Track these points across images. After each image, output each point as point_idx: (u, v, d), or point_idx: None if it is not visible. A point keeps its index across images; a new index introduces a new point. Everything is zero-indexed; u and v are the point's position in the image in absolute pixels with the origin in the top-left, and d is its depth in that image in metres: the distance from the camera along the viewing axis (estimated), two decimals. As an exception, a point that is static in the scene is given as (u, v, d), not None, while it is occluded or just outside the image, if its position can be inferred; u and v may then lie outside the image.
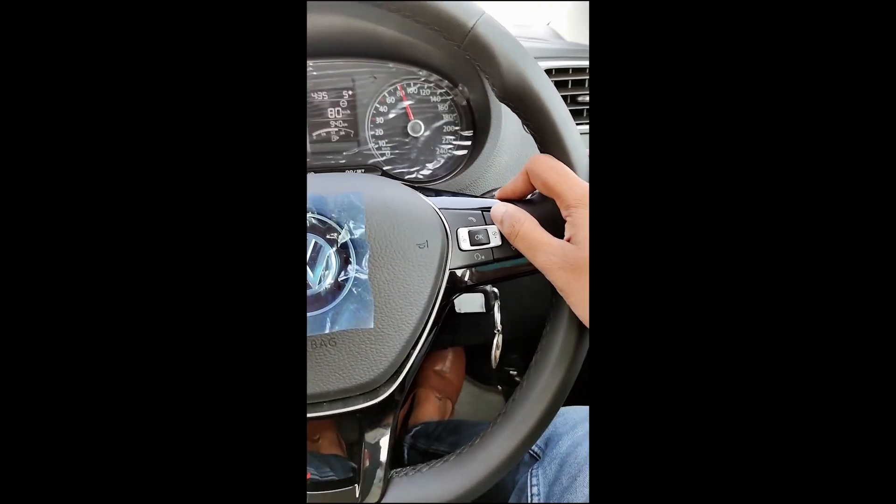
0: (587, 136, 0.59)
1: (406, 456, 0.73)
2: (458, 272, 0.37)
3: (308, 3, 0.33)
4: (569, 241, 0.33)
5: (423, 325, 0.36)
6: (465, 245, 0.37)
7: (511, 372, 1.00)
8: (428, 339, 0.37)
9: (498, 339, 0.60)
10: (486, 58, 0.34)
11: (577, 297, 0.32)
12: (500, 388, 1.07)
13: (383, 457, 0.36)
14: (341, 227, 0.35)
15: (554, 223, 0.34)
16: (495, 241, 0.37)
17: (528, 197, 0.38)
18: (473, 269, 0.37)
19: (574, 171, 0.34)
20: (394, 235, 0.36)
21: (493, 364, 0.64)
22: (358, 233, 0.35)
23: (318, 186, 0.37)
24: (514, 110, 0.36)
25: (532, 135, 0.37)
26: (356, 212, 0.35)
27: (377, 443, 0.36)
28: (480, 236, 0.37)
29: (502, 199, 0.38)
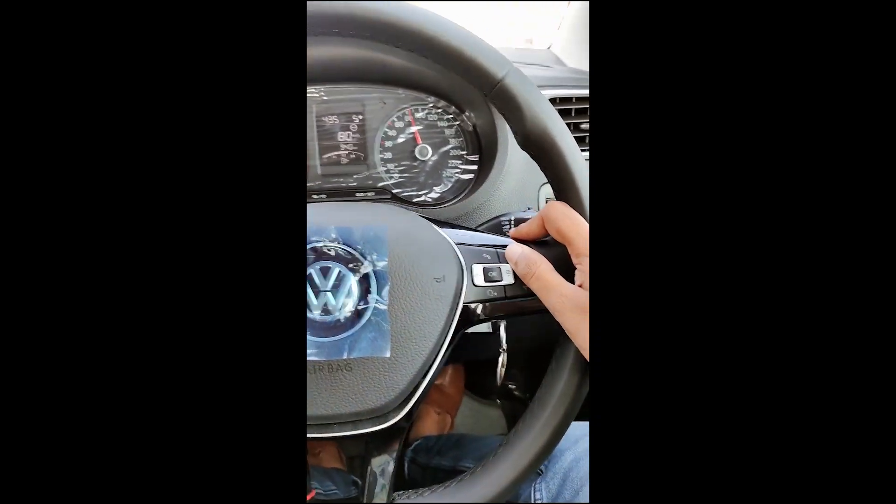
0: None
1: (406, 470, 0.75)
2: (472, 306, 0.39)
3: (321, 36, 0.35)
4: (579, 286, 0.35)
5: (434, 356, 0.38)
6: (479, 281, 0.39)
7: (510, 386, 1.01)
8: (438, 369, 0.38)
9: (503, 359, 0.62)
10: (511, 108, 0.36)
11: (585, 338, 0.34)
12: (499, 402, 1.08)
13: (387, 480, 0.37)
14: (365, 259, 0.37)
15: (565, 267, 0.37)
16: (508, 280, 0.39)
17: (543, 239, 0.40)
18: (486, 303, 0.39)
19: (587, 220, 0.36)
20: (414, 269, 0.37)
21: (498, 382, 0.65)
22: (380, 265, 0.37)
23: (344, 216, 0.39)
24: (533, 157, 0.38)
25: (549, 181, 0.39)
26: (380, 245, 0.37)
27: (382, 467, 0.37)
28: (494, 273, 0.39)
29: (516, 240, 0.40)
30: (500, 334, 0.56)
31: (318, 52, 0.56)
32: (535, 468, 0.37)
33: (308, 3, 0.33)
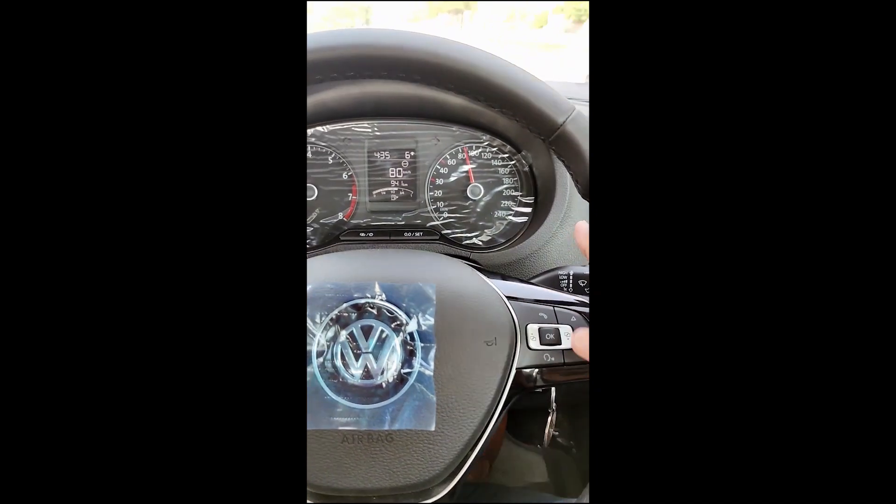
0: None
1: None
2: (526, 371, 0.35)
3: (373, 77, 0.32)
4: None
5: (483, 428, 0.34)
6: (535, 343, 0.35)
7: (554, 433, 0.95)
8: (486, 441, 0.35)
9: (552, 418, 0.57)
10: (572, 154, 0.32)
11: None
12: (539, 446, 1.03)
13: None
14: (409, 318, 0.34)
15: None
16: (566, 343, 0.35)
17: None
18: (542, 368, 0.35)
19: None
20: (462, 331, 0.34)
21: (546, 443, 0.61)
22: (426, 325, 0.34)
23: (389, 267, 0.37)
24: None
25: None
26: (427, 304, 0.34)
27: None
28: (551, 336, 0.35)
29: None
30: (549, 392, 0.52)
31: (371, 88, 0.55)
32: None
33: (352, 43, 0.30)
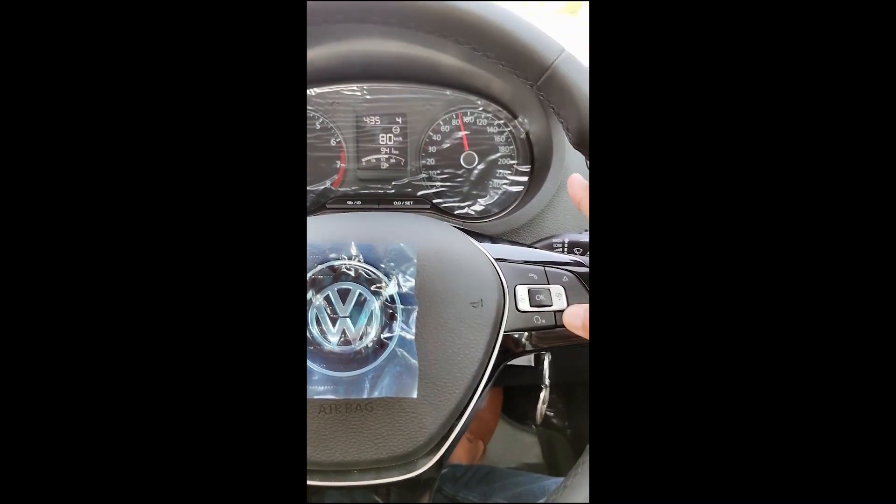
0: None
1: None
2: (515, 335, 0.33)
3: (366, 26, 0.30)
4: None
5: (470, 394, 0.32)
6: (524, 305, 0.33)
7: (549, 414, 0.94)
8: (474, 410, 0.33)
9: (545, 394, 0.55)
10: (564, 99, 0.30)
11: None
12: (534, 427, 1.02)
13: None
14: (389, 279, 0.32)
15: None
16: (559, 304, 0.33)
17: None
18: (532, 332, 0.33)
19: None
20: (446, 292, 0.32)
21: (538, 420, 0.59)
22: (407, 286, 0.31)
23: (367, 229, 0.34)
24: (588, 159, 0.32)
25: None
26: (407, 263, 0.32)
27: None
28: (542, 297, 0.33)
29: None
30: (542, 367, 0.50)
31: (359, 46, 0.52)
32: None
33: None
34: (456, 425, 0.32)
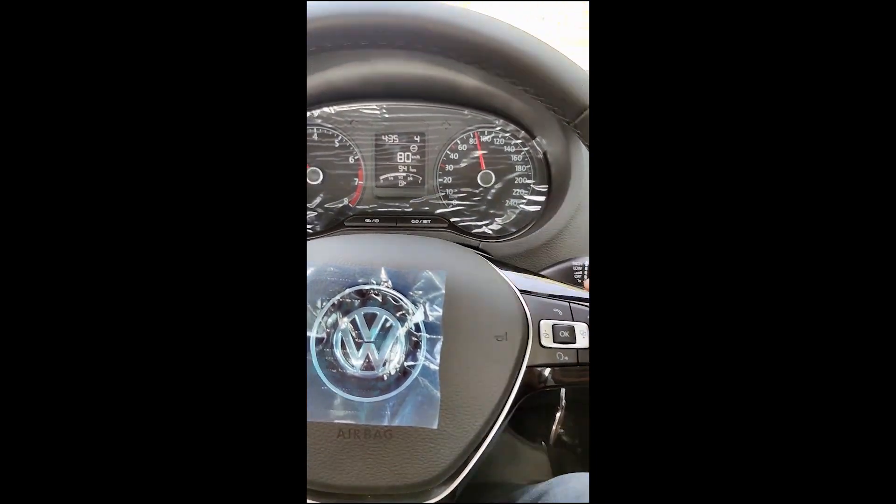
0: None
1: None
2: (537, 370, 0.33)
3: (388, 48, 0.30)
4: None
5: (489, 427, 0.32)
6: (547, 341, 0.33)
7: (559, 431, 0.93)
8: (492, 442, 0.33)
9: (560, 416, 0.55)
10: None
11: None
12: (544, 444, 1.01)
13: None
14: (416, 307, 0.32)
15: None
16: (582, 342, 0.33)
17: None
18: (554, 368, 0.33)
19: None
20: (471, 324, 0.32)
21: (551, 441, 0.59)
22: (434, 316, 0.32)
23: (396, 253, 0.34)
24: None
25: None
26: (435, 293, 0.32)
27: None
28: (566, 334, 0.33)
29: None
30: (559, 391, 0.50)
31: (381, 67, 0.52)
32: None
33: (369, 12, 0.28)
34: (473, 457, 0.32)
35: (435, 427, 0.30)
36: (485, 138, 0.57)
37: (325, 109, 0.56)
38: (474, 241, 0.54)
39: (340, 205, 0.57)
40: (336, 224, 0.56)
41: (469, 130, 0.57)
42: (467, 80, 0.53)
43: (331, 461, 0.31)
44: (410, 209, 0.57)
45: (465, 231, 0.56)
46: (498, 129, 0.57)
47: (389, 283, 0.32)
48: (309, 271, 0.33)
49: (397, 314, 0.32)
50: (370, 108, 0.56)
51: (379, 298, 0.32)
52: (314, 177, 0.56)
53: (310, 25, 0.28)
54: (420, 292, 0.32)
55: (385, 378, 0.31)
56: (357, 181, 0.57)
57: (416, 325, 0.32)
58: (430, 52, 0.29)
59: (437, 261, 0.34)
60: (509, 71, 0.30)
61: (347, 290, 0.32)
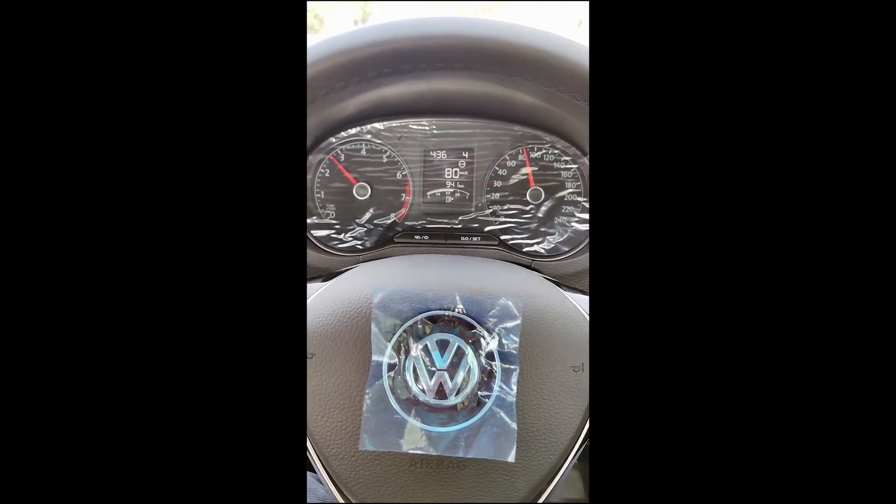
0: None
1: None
2: None
3: (454, 69, 0.30)
4: None
5: (564, 460, 0.31)
6: None
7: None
8: (566, 474, 0.32)
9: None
10: None
11: None
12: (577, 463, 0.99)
13: None
14: (490, 335, 0.31)
15: None
16: None
17: None
18: None
19: None
20: (548, 354, 0.31)
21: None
22: (510, 346, 0.31)
23: (470, 279, 0.34)
24: None
25: None
26: (512, 321, 0.31)
27: None
28: None
29: None
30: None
31: (436, 84, 0.52)
32: None
33: (428, 31, 0.28)
34: (546, 489, 0.31)
35: (511, 460, 0.29)
36: (534, 154, 0.56)
37: (375, 125, 0.55)
38: (526, 260, 0.53)
39: (389, 221, 0.57)
40: (385, 240, 0.56)
41: (518, 146, 0.56)
42: (523, 97, 0.52)
43: (402, 490, 0.30)
44: (460, 226, 0.57)
45: (516, 249, 0.56)
46: (548, 145, 0.56)
47: (463, 309, 0.32)
48: (379, 295, 0.32)
49: (470, 342, 0.31)
50: (419, 124, 0.55)
51: (452, 325, 0.32)
52: (362, 192, 0.56)
53: (367, 51, 0.28)
54: (494, 320, 0.31)
55: (458, 407, 0.31)
56: (404, 196, 0.57)
57: (489, 354, 0.31)
58: (487, 70, 0.30)
59: (512, 288, 0.33)
60: (569, 86, 0.29)
61: (420, 316, 0.32)
